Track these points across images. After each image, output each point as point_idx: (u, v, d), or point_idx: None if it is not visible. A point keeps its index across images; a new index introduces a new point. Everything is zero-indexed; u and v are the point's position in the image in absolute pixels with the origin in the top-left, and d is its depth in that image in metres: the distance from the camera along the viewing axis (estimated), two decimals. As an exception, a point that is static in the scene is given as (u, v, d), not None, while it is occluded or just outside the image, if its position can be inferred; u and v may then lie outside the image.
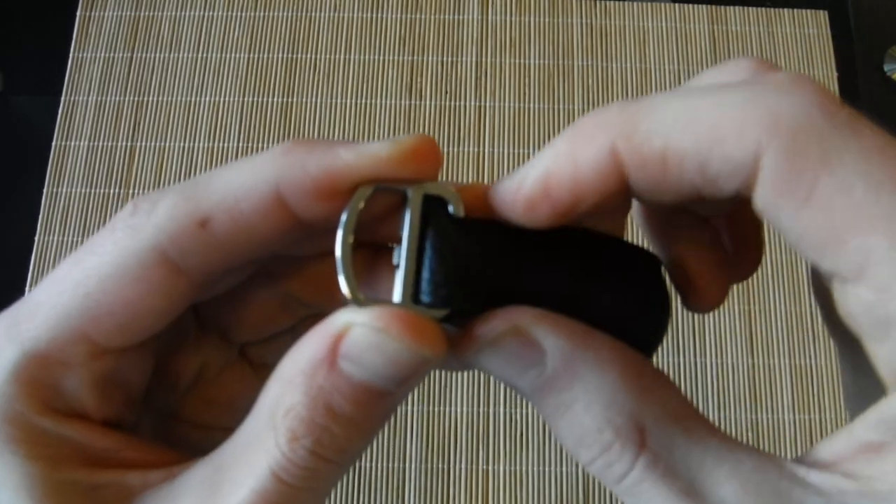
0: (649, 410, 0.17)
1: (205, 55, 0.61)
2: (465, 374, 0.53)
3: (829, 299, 0.17)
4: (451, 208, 0.19)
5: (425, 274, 0.19)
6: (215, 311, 0.22)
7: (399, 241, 0.19)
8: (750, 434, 0.52)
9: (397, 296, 0.19)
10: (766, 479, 0.16)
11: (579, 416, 0.17)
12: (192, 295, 0.19)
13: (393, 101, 0.60)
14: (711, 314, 0.54)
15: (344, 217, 0.18)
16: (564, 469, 0.51)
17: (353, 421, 0.17)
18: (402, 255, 0.19)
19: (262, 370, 0.24)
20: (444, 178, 0.58)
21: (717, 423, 0.53)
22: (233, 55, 0.61)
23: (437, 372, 0.53)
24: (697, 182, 0.16)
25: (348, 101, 0.60)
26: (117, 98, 0.60)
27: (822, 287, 0.18)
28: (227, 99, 0.60)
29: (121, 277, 0.18)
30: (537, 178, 0.18)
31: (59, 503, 0.17)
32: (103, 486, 0.18)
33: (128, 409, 0.20)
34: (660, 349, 0.24)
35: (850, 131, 0.14)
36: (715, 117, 0.15)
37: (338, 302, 0.19)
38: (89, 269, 0.18)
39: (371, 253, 0.21)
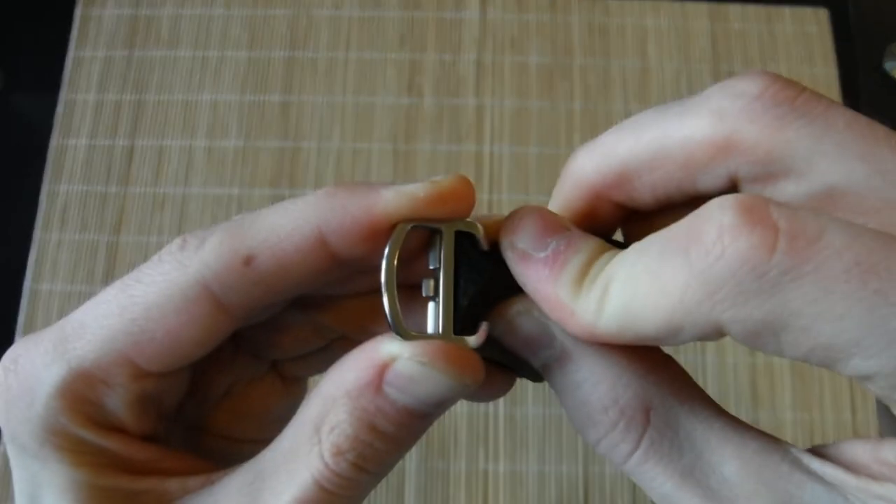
0: (655, 391, 0.18)
1: (204, 53, 0.61)
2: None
3: None
4: (479, 242, 0.21)
5: (462, 302, 0.20)
6: (250, 334, 0.23)
7: (428, 276, 0.20)
8: (750, 433, 0.52)
9: (431, 326, 0.20)
10: (768, 461, 0.16)
11: (587, 395, 0.18)
12: (231, 327, 0.20)
13: (392, 100, 0.60)
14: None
15: (387, 250, 0.19)
16: (564, 469, 0.51)
17: (395, 438, 0.19)
18: (440, 287, 0.20)
19: (292, 384, 0.25)
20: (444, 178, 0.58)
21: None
22: (232, 53, 0.61)
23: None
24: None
25: (348, 99, 0.60)
26: (116, 96, 0.60)
27: None
28: (226, 97, 0.60)
29: (165, 307, 0.19)
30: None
31: None
32: (144, 492, 0.19)
33: (161, 423, 0.21)
34: (660, 349, 0.25)
35: (789, 282, 0.14)
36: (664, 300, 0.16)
37: (370, 332, 0.21)
38: (136, 297, 0.19)
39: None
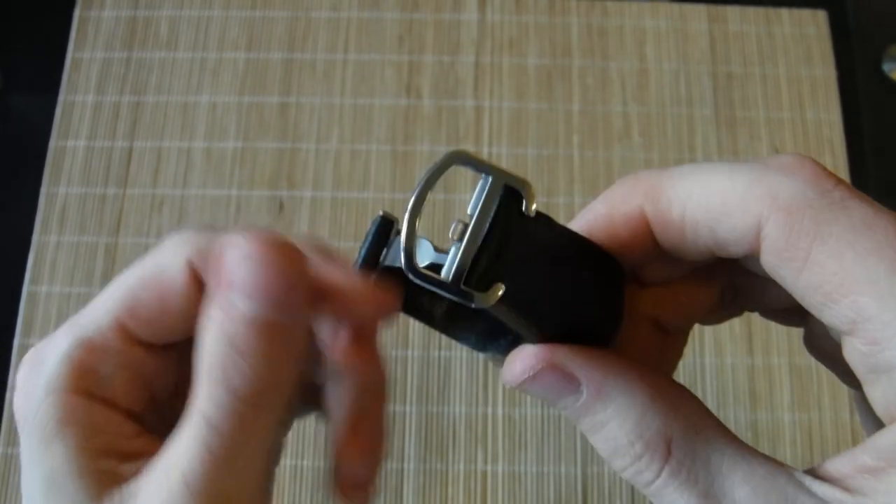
0: (674, 424, 0.19)
1: (202, 55, 0.61)
2: (464, 374, 0.53)
3: (832, 347, 0.20)
4: (524, 204, 0.20)
5: (482, 259, 0.20)
6: None
7: (462, 217, 0.20)
8: (749, 433, 0.52)
9: (445, 270, 0.20)
10: (775, 485, 0.18)
11: (613, 432, 0.20)
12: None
13: (391, 101, 0.60)
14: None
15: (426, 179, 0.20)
16: (563, 469, 0.51)
17: (255, 352, 0.19)
18: (466, 234, 0.20)
19: None
20: (444, 177, 0.58)
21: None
22: (230, 55, 0.61)
23: (436, 372, 0.53)
24: (710, 244, 0.19)
25: (346, 100, 0.60)
26: (115, 98, 0.60)
27: (823, 336, 0.21)
28: (224, 99, 0.60)
29: (156, 278, 0.21)
30: (580, 231, 0.20)
31: (84, 485, 0.20)
32: (112, 471, 0.21)
33: (150, 408, 0.23)
34: (681, 388, 0.26)
35: (840, 207, 0.17)
36: (723, 192, 0.18)
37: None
38: (136, 271, 0.22)
39: None
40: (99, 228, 0.56)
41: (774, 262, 0.17)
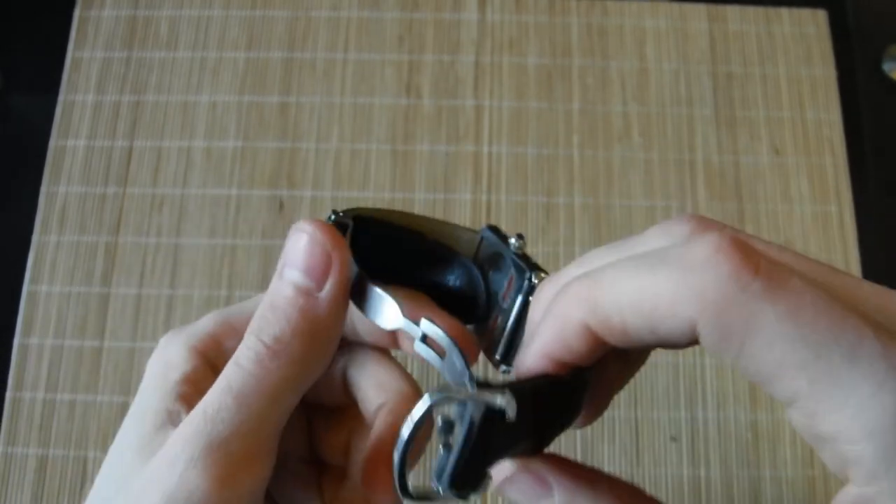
0: None
1: (202, 54, 0.61)
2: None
3: None
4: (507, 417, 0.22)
5: (469, 463, 0.22)
6: None
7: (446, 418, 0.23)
8: (749, 434, 0.52)
9: (435, 475, 0.22)
10: None
11: None
12: None
13: (391, 100, 0.60)
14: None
15: (411, 429, 0.23)
16: (563, 469, 0.51)
17: (283, 311, 0.24)
18: (454, 442, 0.22)
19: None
20: (444, 177, 0.58)
21: (716, 424, 0.52)
22: (231, 54, 0.61)
23: (436, 371, 0.53)
24: (655, 340, 0.20)
25: (346, 99, 0.60)
26: (115, 97, 0.60)
27: None
28: (224, 98, 0.60)
29: (244, 318, 0.26)
30: (539, 355, 0.22)
31: None
32: None
33: None
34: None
35: (762, 299, 0.18)
36: (653, 299, 0.19)
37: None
38: (230, 310, 0.29)
39: None
40: (99, 228, 0.56)
41: (714, 352, 0.19)
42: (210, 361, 0.26)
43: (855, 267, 0.56)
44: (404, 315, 0.24)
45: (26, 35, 0.62)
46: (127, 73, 0.61)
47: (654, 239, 0.22)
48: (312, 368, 0.25)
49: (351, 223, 0.26)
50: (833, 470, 0.18)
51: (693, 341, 0.19)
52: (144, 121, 0.59)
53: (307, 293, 0.24)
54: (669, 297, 0.19)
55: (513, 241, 0.27)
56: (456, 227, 0.28)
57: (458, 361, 0.23)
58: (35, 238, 0.56)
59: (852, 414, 0.17)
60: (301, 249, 0.24)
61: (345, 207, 0.27)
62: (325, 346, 0.25)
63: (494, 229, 0.28)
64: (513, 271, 0.26)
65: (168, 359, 0.26)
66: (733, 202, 0.58)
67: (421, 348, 0.24)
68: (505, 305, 0.26)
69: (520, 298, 0.25)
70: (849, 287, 0.19)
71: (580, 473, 0.23)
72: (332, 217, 0.26)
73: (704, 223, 0.22)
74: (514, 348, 0.26)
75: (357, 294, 0.25)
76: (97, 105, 0.60)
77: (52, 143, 0.58)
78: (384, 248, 0.27)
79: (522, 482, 0.23)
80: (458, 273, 0.28)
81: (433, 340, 0.24)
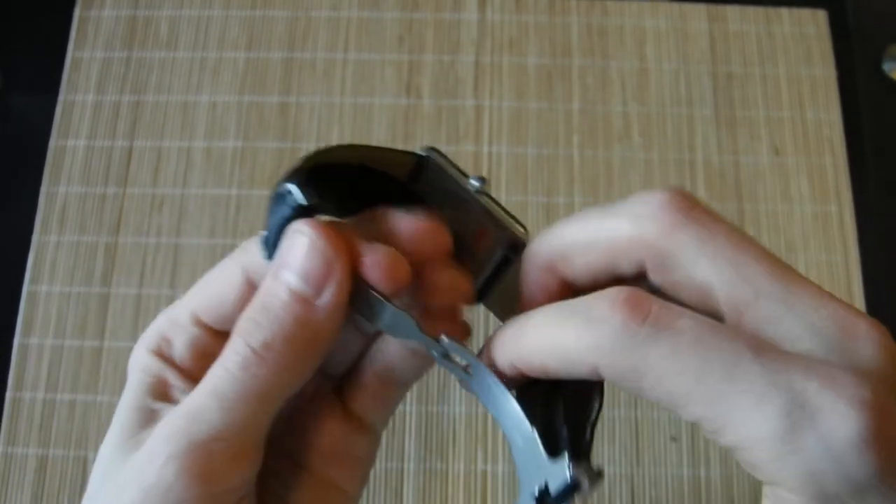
0: None
1: (202, 55, 0.61)
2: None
3: None
4: None
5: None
6: None
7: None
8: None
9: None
10: None
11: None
12: None
13: (391, 100, 0.60)
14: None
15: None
16: (563, 469, 0.51)
17: (276, 316, 0.23)
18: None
19: (359, 425, 0.28)
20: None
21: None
22: (231, 54, 0.61)
23: (435, 372, 0.53)
24: (573, 376, 0.23)
25: (346, 99, 0.60)
26: (115, 97, 0.60)
27: None
28: (224, 98, 0.60)
29: (220, 278, 0.26)
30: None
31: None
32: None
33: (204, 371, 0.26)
34: None
35: (648, 343, 0.21)
36: (564, 349, 0.23)
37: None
38: (212, 270, 0.27)
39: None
40: (99, 228, 0.56)
41: (622, 387, 0.22)
42: (168, 360, 0.26)
43: (855, 267, 0.56)
44: (421, 331, 0.24)
45: (26, 35, 0.62)
46: (127, 73, 0.61)
47: (635, 206, 0.24)
48: (302, 375, 0.24)
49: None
50: (749, 470, 0.21)
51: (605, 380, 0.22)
52: (144, 121, 0.59)
53: (304, 300, 0.23)
54: (575, 349, 0.22)
55: (475, 181, 0.26)
56: (394, 151, 0.27)
57: (499, 395, 0.24)
58: (35, 238, 0.56)
59: (741, 426, 0.20)
60: (300, 252, 0.23)
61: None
62: (318, 354, 0.24)
63: (440, 154, 0.27)
64: (490, 225, 0.27)
65: (139, 360, 0.26)
66: (733, 202, 0.58)
67: (444, 364, 0.24)
68: (481, 255, 0.27)
69: (500, 252, 0.26)
70: (789, 301, 0.22)
71: None
72: (294, 181, 0.25)
73: (680, 196, 0.24)
74: (488, 293, 0.28)
75: (360, 302, 0.24)
76: (97, 105, 0.60)
77: (52, 143, 0.58)
78: (339, 188, 0.26)
79: None
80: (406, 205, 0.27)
81: (455, 357, 0.24)
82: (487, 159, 0.58)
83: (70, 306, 0.54)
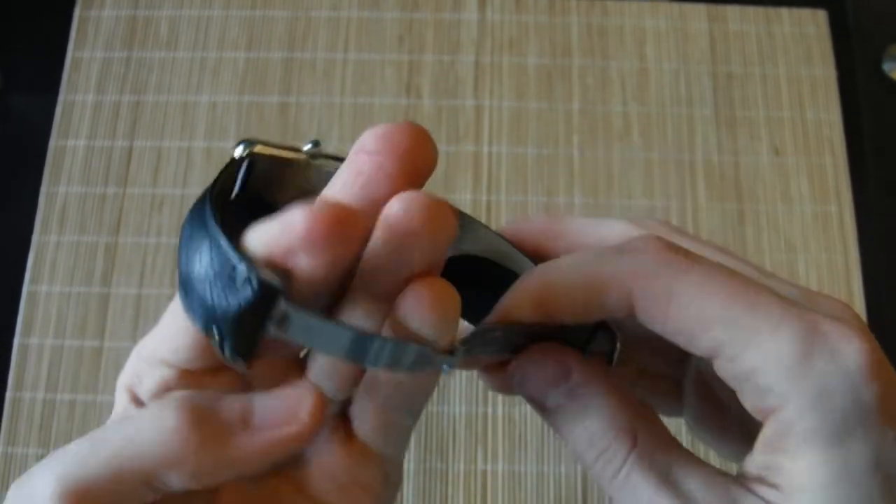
0: (640, 422, 0.24)
1: (202, 55, 0.61)
2: (464, 374, 0.53)
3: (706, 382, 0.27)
4: None
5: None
6: None
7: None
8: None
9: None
10: (719, 480, 0.22)
11: (592, 420, 0.24)
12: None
13: (391, 100, 0.60)
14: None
15: None
16: (563, 469, 0.51)
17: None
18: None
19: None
20: (443, 177, 0.58)
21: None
22: (230, 54, 0.61)
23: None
24: (601, 312, 0.23)
25: (346, 99, 0.60)
26: (115, 97, 0.60)
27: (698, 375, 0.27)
28: (224, 98, 0.60)
29: (174, 322, 0.22)
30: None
31: None
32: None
33: None
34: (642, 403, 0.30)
35: (681, 271, 0.22)
36: (602, 276, 0.23)
37: None
38: (168, 315, 0.23)
39: None
40: (99, 228, 0.56)
41: (646, 319, 0.23)
42: (135, 399, 0.23)
43: (855, 267, 0.56)
44: (436, 352, 0.21)
45: (26, 35, 0.62)
46: (127, 73, 0.61)
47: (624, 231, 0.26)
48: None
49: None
50: (754, 412, 0.22)
51: (630, 313, 0.23)
52: (144, 121, 0.59)
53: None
54: (612, 274, 0.23)
55: (308, 146, 0.23)
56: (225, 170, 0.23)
57: None
58: (35, 238, 0.56)
59: (759, 351, 0.21)
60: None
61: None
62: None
63: (265, 144, 0.23)
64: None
65: (117, 396, 0.24)
66: (733, 202, 0.58)
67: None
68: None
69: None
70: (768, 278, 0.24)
71: (589, 364, 0.25)
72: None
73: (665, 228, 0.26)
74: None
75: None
76: (97, 105, 0.60)
77: (52, 143, 0.59)
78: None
79: (547, 366, 0.24)
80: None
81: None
82: (487, 159, 0.58)
83: (70, 306, 0.54)
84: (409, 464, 0.51)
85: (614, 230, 0.26)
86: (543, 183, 0.58)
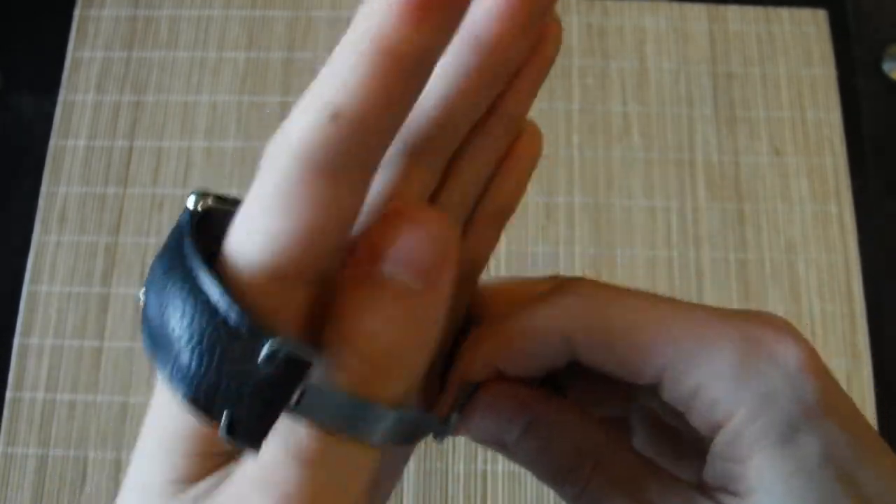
0: (600, 440, 0.24)
1: (202, 54, 0.61)
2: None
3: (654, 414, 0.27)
4: None
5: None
6: None
7: None
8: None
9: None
10: (680, 488, 0.23)
11: (552, 450, 0.24)
12: None
13: (391, 101, 0.60)
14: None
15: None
16: (563, 469, 0.51)
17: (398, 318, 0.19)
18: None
19: None
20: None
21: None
22: (231, 54, 0.61)
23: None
24: (549, 360, 0.24)
25: (346, 100, 0.60)
26: (115, 97, 0.60)
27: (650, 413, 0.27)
28: (225, 98, 0.60)
29: None
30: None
31: None
32: None
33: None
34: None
35: (613, 304, 0.23)
36: (544, 330, 0.24)
37: None
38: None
39: None
40: (99, 228, 0.56)
41: (588, 358, 0.23)
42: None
43: (855, 267, 0.56)
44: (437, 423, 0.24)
45: (26, 35, 0.62)
46: (127, 72, 0.61)
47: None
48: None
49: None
50: (704, 430, 0.22)
51: (572, 356, 0.23)
52: (144, 121, 0.59)
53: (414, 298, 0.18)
54: (547, 319, 0.23)
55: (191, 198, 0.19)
56: None
57: None
58: (35, 238, 0.56)
59: (702, 367, 0.21)
60: (413, 246, 0.17)
61: None
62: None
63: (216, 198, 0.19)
64: None
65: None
66: (733, 202, 0.58)
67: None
68: None
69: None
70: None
71: (548, 397, 0.25)
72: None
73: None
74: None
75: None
76: (97, 105, 0.60)
77: (52, 143, 0.59)
78: None
79: (504, 405, 0.24)
80: None
81: None
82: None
83: (70, 306, 0.54)
84: (409, 464, 0.51)
85: (543, 282, 0.26)
86: (543, 183, 0.58)
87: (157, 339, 0.16)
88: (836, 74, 0.61)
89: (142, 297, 0.17)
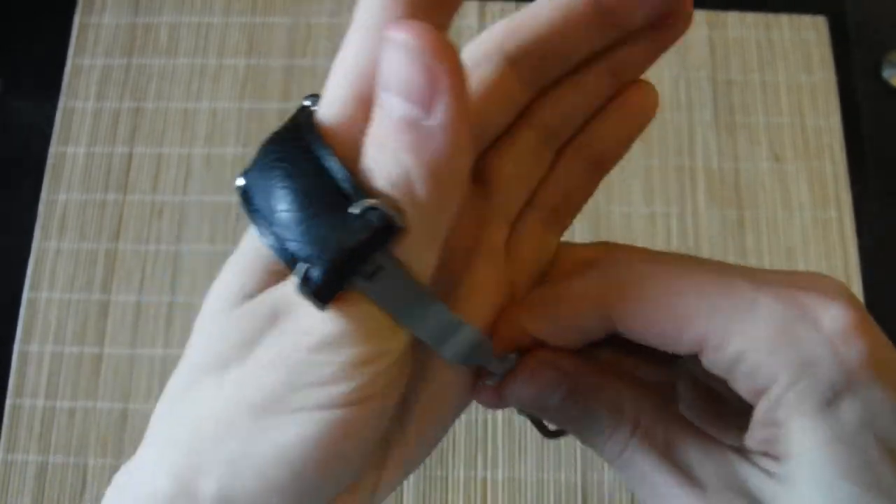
0: (641, 404, 0.24)
1: (202, 61, 0.61)
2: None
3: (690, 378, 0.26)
4: None
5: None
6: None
7: None
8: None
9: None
10: (718, 450, 0.23)
11: (594, 413, 0.24)
12: None
13: (391, 107, 0.60)
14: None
15: None
16: (563, 476, 0.51)
17: (393, 153, 0.19)
18: None
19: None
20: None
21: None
22: (231, 61, 0.61)
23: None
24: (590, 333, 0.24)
25: (346, 106, 0.60)
26: (115, 104, 0.60)
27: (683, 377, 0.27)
28: (225, 105, 0.60)
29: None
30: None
31: None
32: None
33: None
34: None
35: (650, 275, 0.23)
36: (575, 300, 0.24)
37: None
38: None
39: None
40: (99, 235, 0.56)
41: (627, 330, 0.23)
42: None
43: (855, 273, 0.56)
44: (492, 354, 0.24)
45: (26, 41, 0.62)
46: (127, 79, 0.61)
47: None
48: (447, 216, 0.20)
49: None
50: (748, 396, 0.22)
51: (612, 328, 0.24)
52: (144, 128, 0.59)
53: (411, 124, 0.18)
54: (587, 300, 0.23)
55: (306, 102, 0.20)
56: None
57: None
58: (35, 245, 0.56)
59: (742, 334, 0.21)
60: (395, 67, 0.17)
61: None
62: (450, 190, 0.19)
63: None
64: None
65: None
66: (733, 208, 0.58)
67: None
68: None
69: None
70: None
71: (586, 359, 0.25)
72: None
73: None
74: None
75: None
76: (97, 112, 0.60)
77: (52, 149, 0.59)
78: None
79: (545, 373, 0.24)
80: None
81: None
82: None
83: (70, 313, 0.54)
84: (410, 471, 0.51)
85: (588, 249, 0.26)
86: (543, 189, 0.58)
87: (258, 207, 0.19)
88: (836, 80, 0.61)
89: (242, 180, 0.20)
